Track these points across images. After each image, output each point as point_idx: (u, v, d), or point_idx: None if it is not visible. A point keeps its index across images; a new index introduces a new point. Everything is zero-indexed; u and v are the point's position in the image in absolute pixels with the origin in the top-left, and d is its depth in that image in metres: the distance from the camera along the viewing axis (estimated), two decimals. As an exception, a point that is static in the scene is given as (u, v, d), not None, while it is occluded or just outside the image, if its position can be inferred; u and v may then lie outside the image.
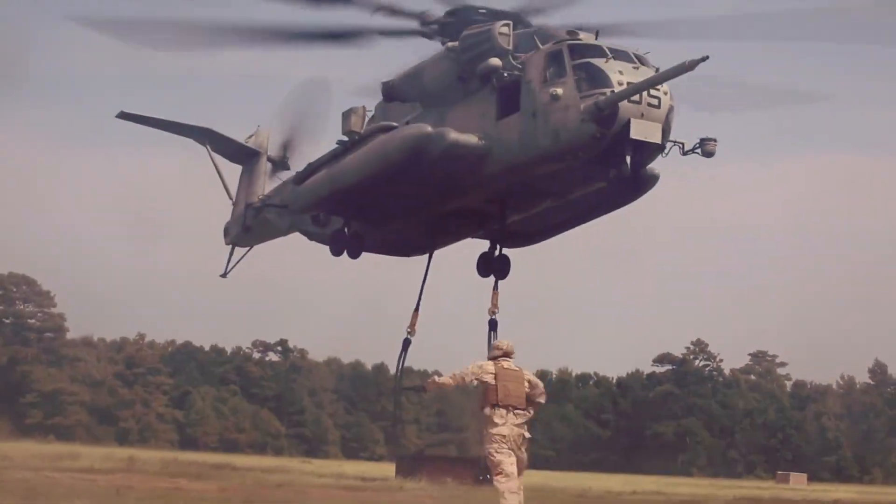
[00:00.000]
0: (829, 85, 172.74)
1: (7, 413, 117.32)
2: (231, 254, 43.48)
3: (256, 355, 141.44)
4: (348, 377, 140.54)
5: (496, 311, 34.92)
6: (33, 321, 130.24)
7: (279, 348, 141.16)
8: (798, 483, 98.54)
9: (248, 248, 43.71)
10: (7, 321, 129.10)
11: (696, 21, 30.30)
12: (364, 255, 37.38)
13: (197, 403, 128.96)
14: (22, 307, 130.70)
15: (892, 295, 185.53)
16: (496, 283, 35.55)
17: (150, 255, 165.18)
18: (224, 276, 43.33)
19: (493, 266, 36.09)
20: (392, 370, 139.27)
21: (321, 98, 38.00)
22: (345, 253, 35.71)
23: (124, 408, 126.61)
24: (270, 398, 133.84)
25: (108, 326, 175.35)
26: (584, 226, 34.79)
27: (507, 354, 17.46)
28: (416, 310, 36.85)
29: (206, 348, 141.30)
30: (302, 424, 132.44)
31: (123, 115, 41.75)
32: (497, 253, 36.24)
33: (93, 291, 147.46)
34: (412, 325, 36.73)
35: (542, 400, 17.60)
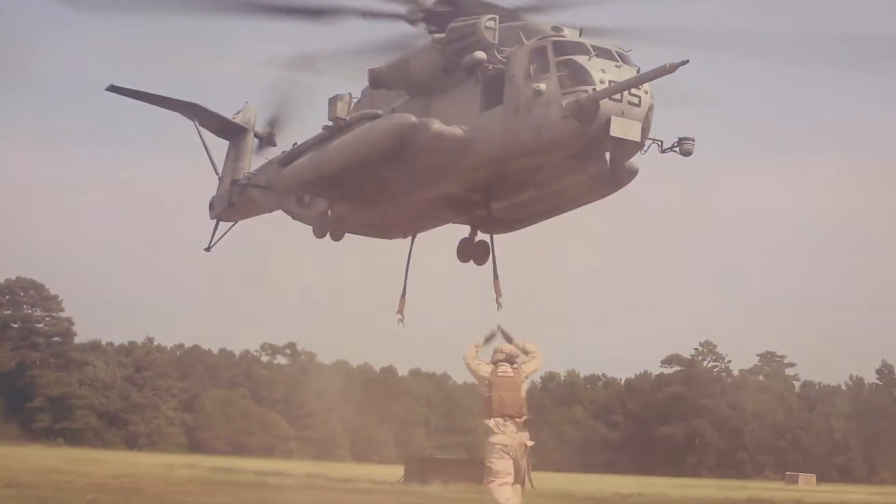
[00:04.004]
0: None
1: (16, 417, 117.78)
2: (216, 228, 44.00)
3: (265, 358, 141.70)
4: (357, 380, 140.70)
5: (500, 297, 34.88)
6: (41, 326, 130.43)
7: (287, 351, 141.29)
8: (807, 484, 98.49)
9: (232, 223, 44.25)
10: (15, 326, 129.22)
11: (685, 30, 30.36)
12: (370, 244, 37.71)
13: (206, 407, 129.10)
14: (30, 312, 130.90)
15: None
16: (495, 272, 35.65)
17: (157, 258, 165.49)
18: (208, 249, 43.81)
19: (472, 251, 36.66)
20: (400, 373, 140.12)
21: (309, 77, 38.22)
22: (328, 235, 36.24)
23: (134, 412, 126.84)
24: (279, 401, 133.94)
25: (116, 330, 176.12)
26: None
27: (509, 359, 17.62)
28: (403, 294, 36.94)
29: (215, 352, 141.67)
30: (311, 427, 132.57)
31: (113, 89, 42.43)
32: (477, 239, 36.72)
33: (101, 295, 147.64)
34: (400, 309, 36.66)
35: (534, 363, 17.82)
